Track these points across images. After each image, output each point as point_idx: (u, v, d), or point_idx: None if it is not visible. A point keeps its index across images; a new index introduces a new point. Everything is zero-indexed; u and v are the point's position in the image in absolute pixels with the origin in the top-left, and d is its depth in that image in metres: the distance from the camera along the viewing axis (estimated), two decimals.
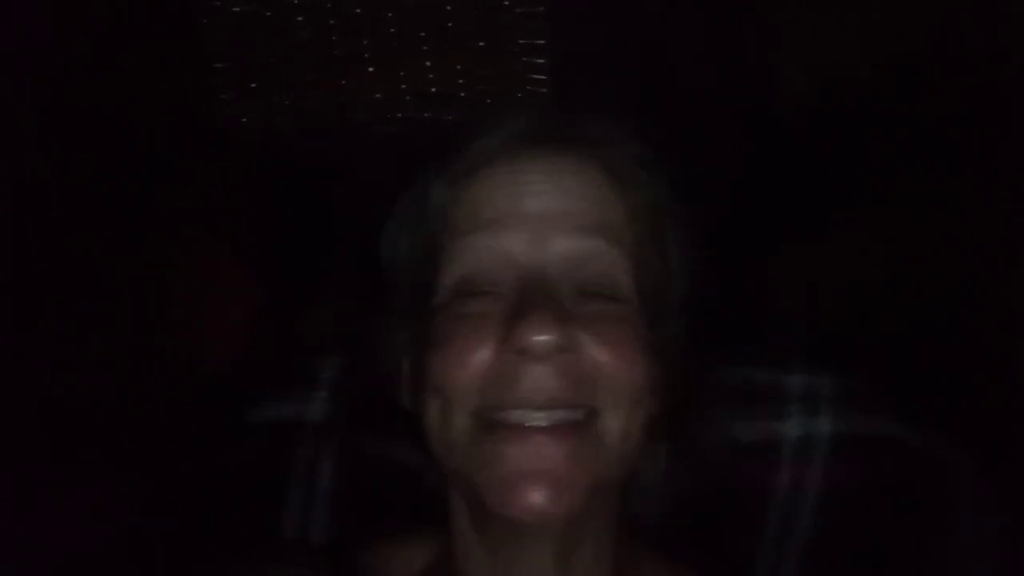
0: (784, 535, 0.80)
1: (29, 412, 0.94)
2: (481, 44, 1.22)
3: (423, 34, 1.22)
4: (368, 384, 0.75)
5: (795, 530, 0.80)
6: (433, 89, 1.22)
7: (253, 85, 1.21)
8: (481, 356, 0.60)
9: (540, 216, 0.64)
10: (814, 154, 1.16)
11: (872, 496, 0.80)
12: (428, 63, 1.23)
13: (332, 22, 1.21)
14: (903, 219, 1.11)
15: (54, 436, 0.95)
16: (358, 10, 1.21)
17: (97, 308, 1.01)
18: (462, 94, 1.22)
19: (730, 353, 0.81)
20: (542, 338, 0.58)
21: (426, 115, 1.20)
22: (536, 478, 0.57)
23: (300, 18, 1.21)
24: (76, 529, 0.92)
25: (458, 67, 1.23)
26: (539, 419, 0.59)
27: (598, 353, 0.61)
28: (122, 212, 1.03)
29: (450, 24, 1.21)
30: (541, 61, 1.22)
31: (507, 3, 1.21)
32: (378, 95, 1.22)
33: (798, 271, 1.13)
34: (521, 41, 1.22)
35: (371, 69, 1.23)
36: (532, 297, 0.60)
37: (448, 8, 1.21)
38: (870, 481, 0.80)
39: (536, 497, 0.57)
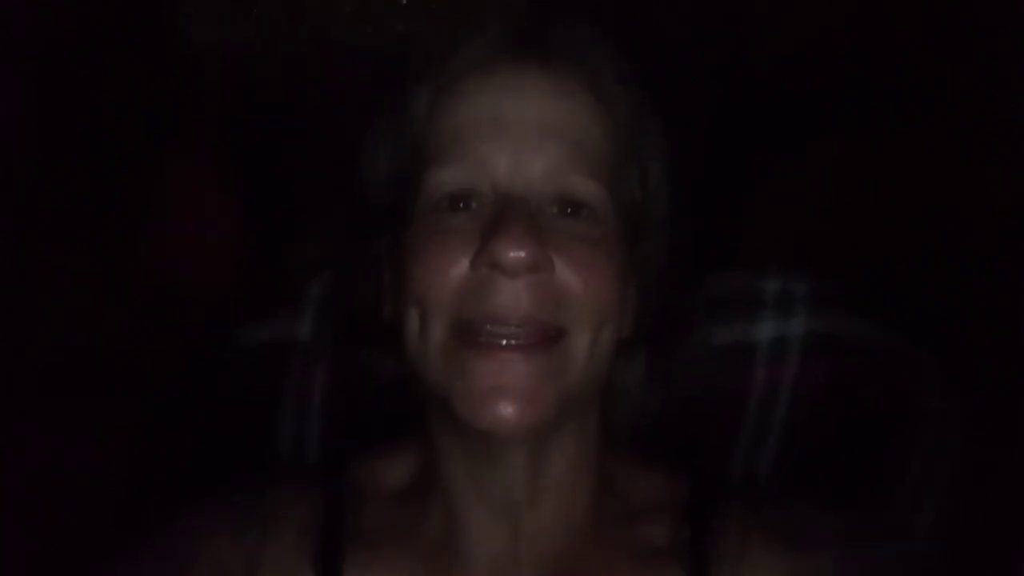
0: (760, 433, 0.84)
1: (23, 340, 0.95)
2: None
3: None
4: (353, 301, 0.76)
5: (770, 428, 0.84)
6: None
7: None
8: (458, 269, 0.62)
9: (521, 129, 0.64)
10: (790, 73, 1.16)
11: (842, 394, 0.83)
12: None
13: None
14: (879, 129, 1.12)
15: (47, 362, 0.96)
16: None
17: (82, 238, 1.01)
18: (433, 4, 1.19)
19: (707, 261, 0.83)
20: (516, 254, 0.59)
21: (399, 27, 1.18)
22: (504, 393, 0.59)
23: None
24: (72, 452, 0.93)
25: None
26: (510, 336, 0.60)
27: (569, 275, 0.62)
28: (101, 141, 1.01)
29: None
30: None
31: None
32: (348, 8, 1.19)
33: (773, 183, 1.14)
34: None
35: None
36: (509, 213, 0.61)
37: None
38: (841, 380, 0.83)
39: (504, 410, 0.59)
